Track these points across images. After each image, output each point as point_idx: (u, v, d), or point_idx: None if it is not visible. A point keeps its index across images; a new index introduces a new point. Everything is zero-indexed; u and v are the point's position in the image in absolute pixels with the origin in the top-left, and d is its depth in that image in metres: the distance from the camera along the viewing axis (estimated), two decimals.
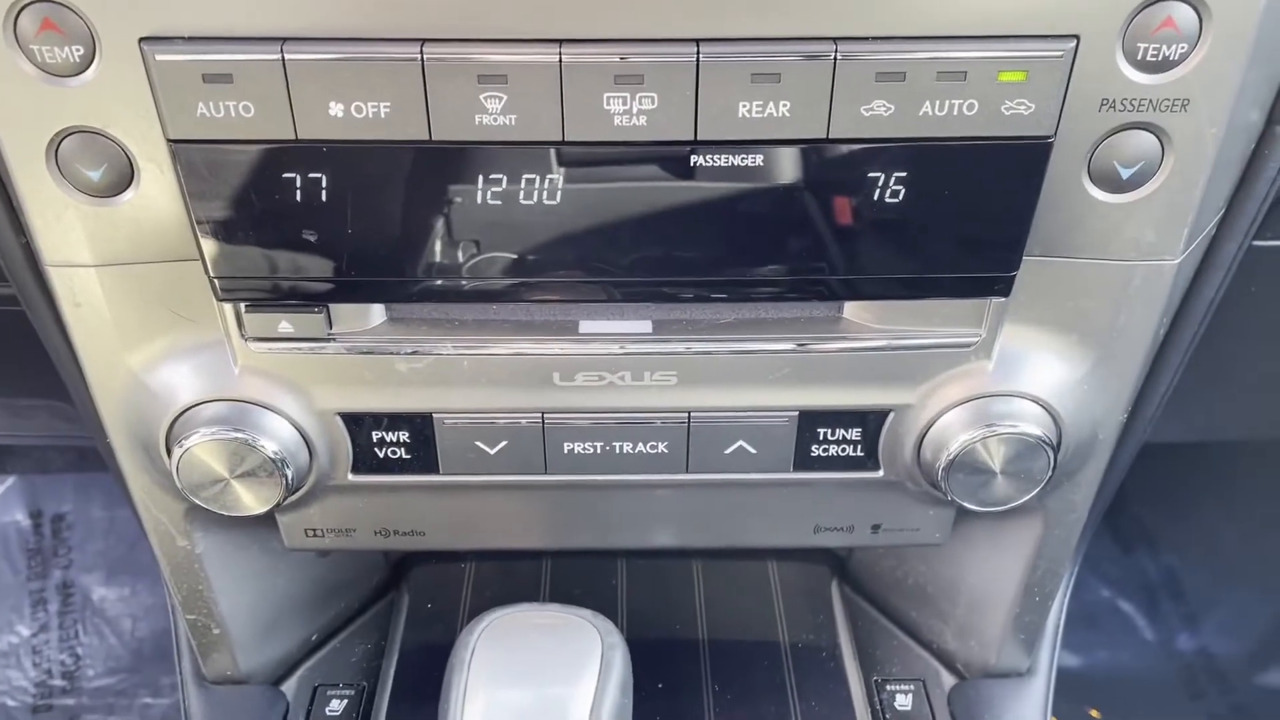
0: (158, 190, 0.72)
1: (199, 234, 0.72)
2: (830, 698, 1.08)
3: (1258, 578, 1.94)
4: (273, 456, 0.81)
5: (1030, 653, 1.08)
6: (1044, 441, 0.81)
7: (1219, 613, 1.98)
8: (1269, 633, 1.90)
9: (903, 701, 1.10)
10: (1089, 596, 1.98)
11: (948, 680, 1.13)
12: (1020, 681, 1.09)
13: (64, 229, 0.73)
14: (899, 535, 0.95)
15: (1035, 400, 0.82)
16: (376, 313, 0.81)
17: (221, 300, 0.77)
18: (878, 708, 1.09)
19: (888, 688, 1.12)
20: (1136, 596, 2.03)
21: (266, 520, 0.92)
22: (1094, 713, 1.82)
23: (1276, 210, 0.84)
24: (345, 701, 1.10)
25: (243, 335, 0.80)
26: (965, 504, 0.85)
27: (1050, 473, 0.83)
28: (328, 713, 1.09)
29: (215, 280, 0.75)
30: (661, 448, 0.86)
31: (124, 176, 0.71)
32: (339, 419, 0.84)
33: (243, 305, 0.78)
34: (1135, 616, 2.01)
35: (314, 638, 1.16)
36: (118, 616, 2.07)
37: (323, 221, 0.71)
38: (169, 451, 0.83)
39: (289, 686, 1.13)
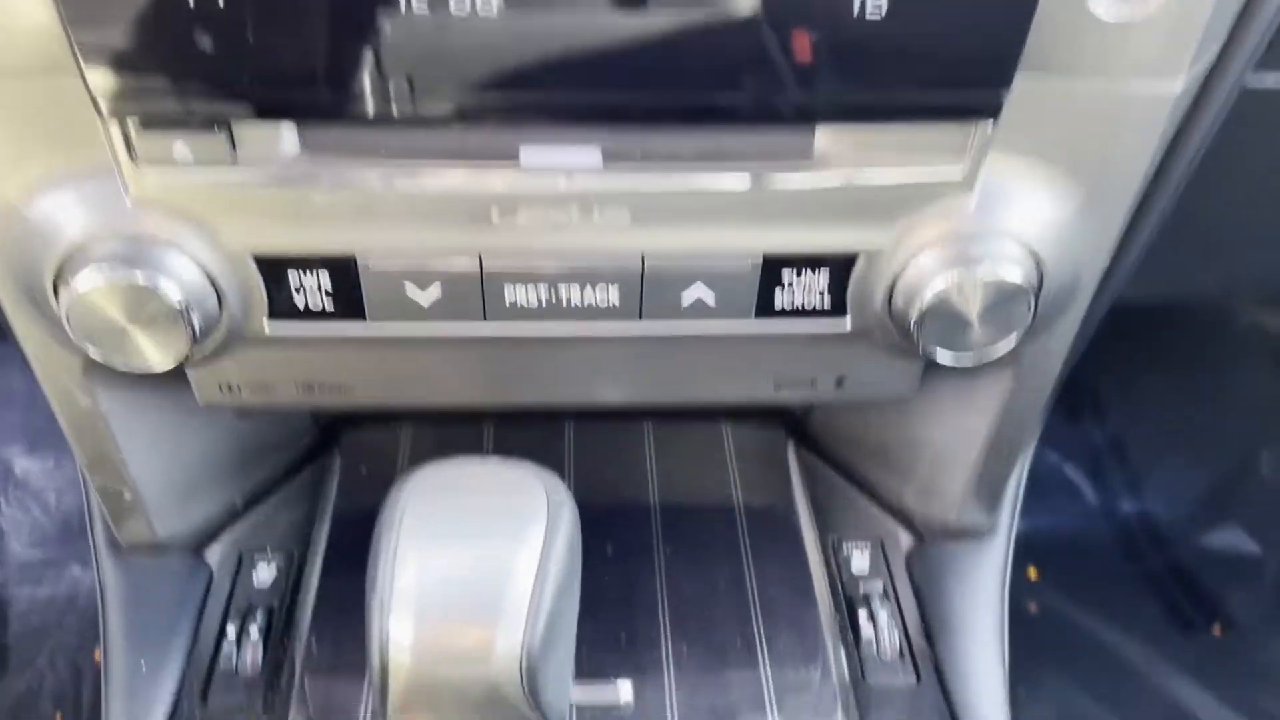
0: None
1: (73, 37, 0.62)
2: (785, 559, 1.04)
3: (1199, 443, 1.95)
4: (176, 304, 0.73)
5: (992, 513, 1.05)
6: (1025, 286, 0.76)
7: (1160, 477, 2.00)
8: (1207, 496, 1.93)
9: (859, 562, 1.07)
10: (1033, 462, 1.99)
11: (905, 540, 1.10)
12: (980, 542, 1.06)
13: None
14: (864, 389, 0.89)
15: (1017, 240, 0.76)
16: (288, 137, 0.71)
17: (105, 118, 0.67)
18: (834, 569, 1.06)
19: (844, 547, 1.08)
20: (1081, 462, 2.04)
21: (176, 375, 0.84)
22: (1031, 572, 1.84)
23: (1276, 47, 0.78)
24: (274, 569, 1.04)
25: (133, 160, 0.70)
26: (935, 356, 0.80)
27: (1030, 320, 0.77)
28: (255, 581, 1.03)
29: (96, 93, 0.65)
30: (612, 295, 0.78)
31: None
32: (251, 260, 0.75)
33: (131, 124, 0.68)
34: (1079, 481, 2.03)
35: (238, 503, 1.08)
36: (41, 489, 2.00)
37: (220, 21, 0.61)
38: (58, 296, 0.74)
39: (212, 554, 1.06)
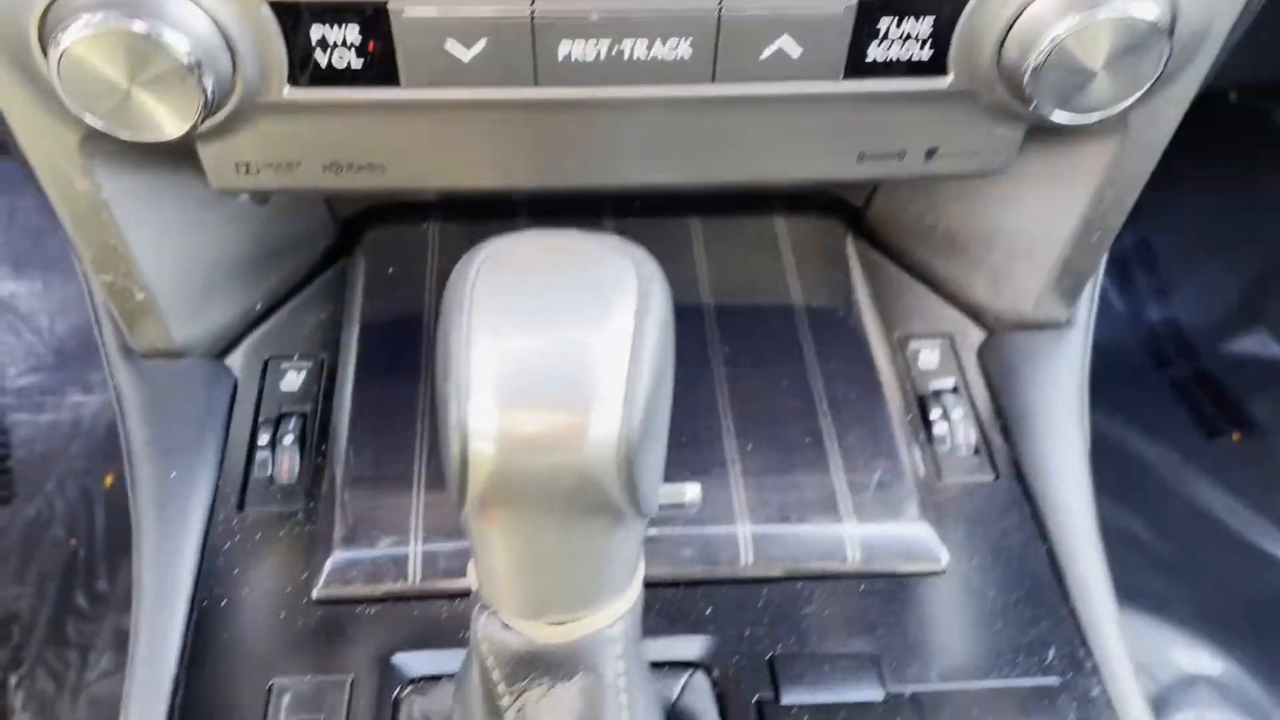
0: None
1: None
2: (850, 357, 0.97)
3: (1229, 248, 1.89)
4: (184, 58, 0.62)
5: (1071, 303, 0.98)
6: (1158, 26, 0.66)
7: (1189, 284, 1.95)
8: (1236, 302, 1.89)
9: (928, 358, 1.00)
10: None
11: (975, 335, 1.03)
12: (1057, 333, 0.99)
13: None
14: (956, 162, 0.80)
15: None
16: None
17: None
18: (901, 366, 1.00)
19: (911, 344, 1.02)
20: (1109, 268, 1.98)
21: (186, 155, 0.74)
22: None
23: None
24: (303, 374, 0.97)
25: None
26: (1050, 114, 0.70)
27: (1160, 70, 0.68)
28: (283, 387, 0.96)
29: None
30: (683, 49, 0.68)
31: None
32: (267, 8, 0.65)
33: None
34: (1107, 288, 1.97)
35: (258, 306, 1.00)
36: (32, 313, 1.92)
37: None
38: (46, 54, 0.63)
39: (234, 360, 0.99)
